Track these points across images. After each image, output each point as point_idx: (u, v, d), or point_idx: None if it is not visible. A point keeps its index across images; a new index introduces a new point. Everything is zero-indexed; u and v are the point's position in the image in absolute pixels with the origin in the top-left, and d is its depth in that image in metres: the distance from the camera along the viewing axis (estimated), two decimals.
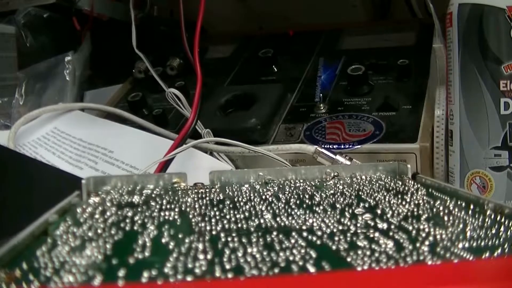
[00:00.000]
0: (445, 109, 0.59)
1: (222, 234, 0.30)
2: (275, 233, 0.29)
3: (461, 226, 0.30)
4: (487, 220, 0.30)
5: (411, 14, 0.92)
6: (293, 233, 0.29)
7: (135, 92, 0.80)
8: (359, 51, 0.78)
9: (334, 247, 0.27)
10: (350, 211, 0.33)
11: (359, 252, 0.26)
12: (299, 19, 0.92)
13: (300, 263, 0.25)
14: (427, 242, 0.27)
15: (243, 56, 0.86)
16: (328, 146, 0.61)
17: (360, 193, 0.38)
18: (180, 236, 0.30)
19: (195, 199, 0.38)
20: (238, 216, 0.33)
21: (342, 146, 0.61)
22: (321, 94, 0.70)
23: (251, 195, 0.39)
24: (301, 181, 0.43)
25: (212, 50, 0.90)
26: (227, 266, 0.25)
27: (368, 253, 0.26)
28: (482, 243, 0.27)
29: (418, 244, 0.27)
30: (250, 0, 0.95)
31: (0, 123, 0.82)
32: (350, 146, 0.61)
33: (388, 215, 0.32)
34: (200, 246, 0.28)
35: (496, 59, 0.51)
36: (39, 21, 0.86)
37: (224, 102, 0.71)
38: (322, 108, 0.67)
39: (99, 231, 0.30)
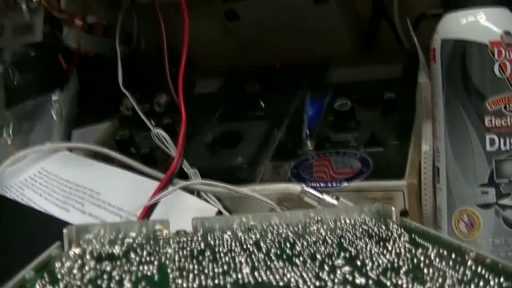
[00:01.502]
0: (432, 144, 0.59)
1: None
2: None
3: (440, 280, 0.29)
4: (467, 272, 0.30)
5: (398, 44, 0.92)
6: None
7: (123, 131, 0.79)
8: (346, 84, 0.78)
9: None
10: (330, 262, 0.33)
11: None
12: (285, 51, 0.92)
13: None
14: None
15: (230, 91, 0.85)
16: (315, 185, 0.61)
17: (342, 240, 0.38)
18: None
19: (176, 249, 0.38)
20: (216, 270, 0.33)
21: (329, 185, 0.61)
22: (308, 131, 0.69)
23: (232, 244, 0.38)
24: (285, 226, 0.43)
25: (199, 85, 0.89)
26: None
27: None
28: None
29: None
30: (237, 31, 0.95)
31: None
32: (338, 185, 0.60)
33: (368, 267, 0.32)
34: None
35: (480, 95, 0.51)
36: (26, 59, 0.85)
37: (211, 140, 0.71)
38: (309, 145, 0.67)
39: None
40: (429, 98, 0.58)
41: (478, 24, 0.51)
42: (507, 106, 0.51)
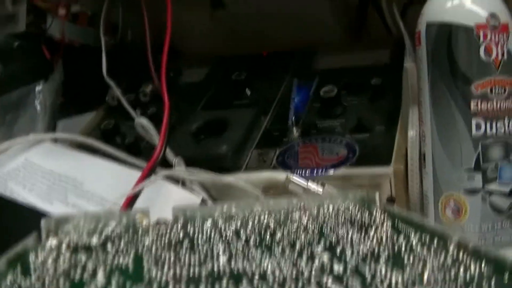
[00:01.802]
0: (418, 129, 0.58)
1: (170, 283, 0.28)
2: (225, 280, 0.28)
3: (419, 267, 0.28)
4: (448, 258, 0.29)
5: (387, 30, 0.91)
6: (244, 280, 0.28)
7: (108, 120, 0.79)
8: (333, 71, 0.77)
9: None
10: (309, 250, 0.32)
11: None
12: (273, 38, 0.91)
13: None
14: None
15: (216, 79, 0.85)
16: (300, 172, 0.60)
17: (323, 227, 0.37)
18: (127, 286, 0.28)
19: (154, 239, 0.37)
20: (192, 260, 0.32)
21: (315, 172, 0.60)
22: (294, 117, 0.69)
23: (212, 233, 0.38)
24: (267, 214, 0.42)
25: (186, 74, 0.89)
26: None
27: None
28: None
29: None
30: (223, 20, 0.94)
31: None
32: (324, 171, 0.60)
33: (348, 255, 0.31)
34: None
35: (466, 78, 0.50)
36: (9, 50, 0.84)
37: (196, 128, 0.70)
38: (295, 131, 0.66)
39: (46, 282, 0.29)
40: (415, 83, 0.57)
41: (463, 7, 0.51)
42: (493, 89, 0.50)
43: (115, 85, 0.77)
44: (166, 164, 0.63)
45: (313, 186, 0.57)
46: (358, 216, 0.39)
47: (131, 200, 0.55)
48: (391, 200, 0.58)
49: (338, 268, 0.29)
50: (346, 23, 0.93)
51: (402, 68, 0.62)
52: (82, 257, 0.33)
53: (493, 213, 0.52)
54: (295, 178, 0.58)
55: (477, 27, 0.50)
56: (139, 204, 0.57)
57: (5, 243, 0.47)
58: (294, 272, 0.29)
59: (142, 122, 0.63)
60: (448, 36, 0.51)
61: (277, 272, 0.29)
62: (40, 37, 0.84)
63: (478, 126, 0.51)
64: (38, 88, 0.83)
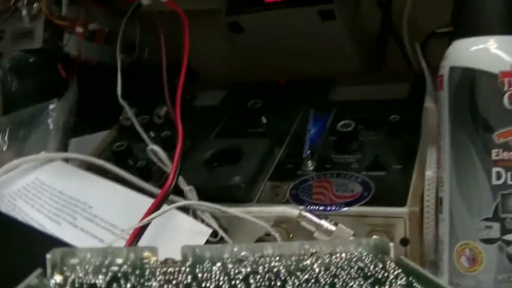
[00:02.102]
0: (436, 171, 0.57)
1: None
2: None
3: None
4: None
5: (407, 62, 0.90)
6: None
7: (121, 141, 0.78)
8: (351, 104, 0.76)
9: None
10: None
11: None
12: (290, 67, 0.90)
13: None
14: None
15: (231, 106, 0.84)
16: (313, 208, 0.59)
17: (335, 280, 0.36)
18: None
19: (161, 282, 0.36)
20: None
21: (328, 208, 0.59)
22: (309, 151, 0.68)
23: (221, 278, 0.37)
24: (277, 258, 0.41)
25: (201, 97, 0.88)
26: None
27: None
28: None
29: None
30: (241, 44, 0.93)
31: None
32: (337, 209, 0.59)
33: None
34: None
35: (488, 126, 0.49)
36: (25, 65, 0.84)
37: (209, 156, 0.69)
38: (309, 165, 0.66)
39: None
40: (435, 124, 0.56)
41: (488, 53, 0.49)
42: None
43: (129, 108, 0.76)
44: (177, 190, 0.62)
45: (326, 224, 0.56)
46: (371, 267, 0.38)
47: (140, 231, 0.54)
48: (405, 241, 0.57)
49: None
50: (365, 53, 0.92)
51: (421, 105, 0.61)
52: None
53: (510, 264, 0.50)
54: (308, 215, 0.57)
55: (502, 74, 0.49)
56: (148, 232, 0.56)
57: (10, 265, 0.47)
58: None
59: (155, 149, 0.63)
60: (471, 82, 0.50)
61: None
62: (56, 54, 0.84)
63: (498, 176, 0.49)
64: (52, 106, 0.82)
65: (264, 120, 0.77)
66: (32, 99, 0.84)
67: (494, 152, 0.49)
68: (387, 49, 0.93)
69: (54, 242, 0.55)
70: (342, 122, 0.67)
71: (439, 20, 0.84)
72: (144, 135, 0.71)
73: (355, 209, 0.59)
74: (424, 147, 0.61)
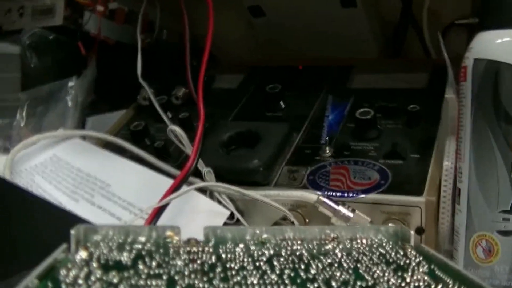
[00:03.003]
0: (454, 162, 0.57)
1: None
2: None
3: None
4: None
5: (425, 53, 0.91)
6: None
7: (138, 121, 0.78)
8: (369, 91, 0.76)
9: None
10: None
11: None
12: (309, 52, 0.91)
13: None
14: None
15: (250, 89, 0.84)
16: (330, 194, 0.59)
17: (358, 265, 0.37)
18: None
19: (186, 261, 0.37)
20: None
21: (346, 195, 0.59)
22: (327, 137, 0.68)
23: (245, 259, 0.37)
24: (299, 242, 0.41)
25: (219, 79, 0.88)
26: None
27: None
28: None
29: None
30: (261, 28, 0.93)
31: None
32: (354, 195, 0.59)
33: None
34: None
35: (510, 119, 0.49)
36: (45, 42, 0.84)
37: (227, 138, 0.70)
38: (327, 151, 0.66)
39: None
40: (455, 115, 0.56)
41: None
42: None
43: (148, 87, 0.76)
44: (195, 172, 0.62)
45: (343, 210, 0.56)
46: (392, 254, 0.39)
47: (160, 210, 0.54)
48: (420, 230, 0.58)
49: None
50: (384, 41, 0.92)
51: (440, 94, 0.61)
52: (114, 277, 0.33)
53: None
54: (326, 201, 0.57)
55: None
56: (166, 212, 0.56)
57: (31, 240, 0.47)
58: None
59: (176, 130, 0.63)
60: (495, 74, 0.50)
61: None
62: (76, 32, 0.84)
63: None
64: (71, 83, 0.83)
65: (282, 104, 0.77)
66: (51, 76, 0.85)
67: None
68: (406, 38, 0.93)
69: (72, 218, 0.56)
70: (361, 110, 0.67)
71: (458, 11, 0.84)
72: (164, 115, 0.71)
73: (372, 196, 0.59)
74: (442, 138, 0.61)
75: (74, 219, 0.54)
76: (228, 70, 0.91)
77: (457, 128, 0.54)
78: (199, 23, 0.81)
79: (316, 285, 0.33)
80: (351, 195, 0.60)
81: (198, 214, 0.59)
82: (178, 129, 0.63)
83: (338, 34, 0.87)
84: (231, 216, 0.61)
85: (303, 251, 0.39)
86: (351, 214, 0.56)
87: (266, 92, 0.77)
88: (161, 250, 0.38)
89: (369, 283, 0.33)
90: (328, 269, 0.36)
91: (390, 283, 0.33)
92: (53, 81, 0.84)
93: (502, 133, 0.50)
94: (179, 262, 0.36)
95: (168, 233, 0.42)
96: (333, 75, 0.83)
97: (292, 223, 0.58)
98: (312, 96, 0.78)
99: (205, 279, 0.33)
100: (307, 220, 0.61)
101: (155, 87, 0.80)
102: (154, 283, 0.32)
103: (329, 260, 0.37)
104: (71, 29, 0.84)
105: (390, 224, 0.56)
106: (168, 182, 0.59)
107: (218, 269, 0.35)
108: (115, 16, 0.88)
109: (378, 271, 0.35)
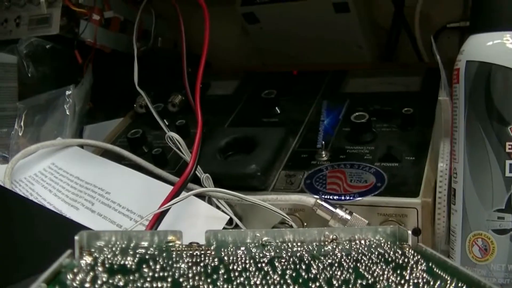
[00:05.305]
0: (449, 163, 0.58)
1: None
2: None
3: None
4: None
5: (418, 57, 0.92)
6: None
7: (136, 128, 0.79)
8: (364, 95, 0.77)
9: None
10: None
11: None
12: (303, 58, 0.91)
13: None
14: None
15: (245, 95, 0.85)
16: (328, 197, 0.60)
17: (358, 264, 0.37)
18: None
19: (189, 264, 0.37)
20: None
21: (343, 198, 0.60)
22: (323, 141, 0.68)
23: (247, 261, 0.38)
24: (299, 244, 0.42)
25: (214, 86, 0.89)
26: None
27: None
28: None
29: None
30: (255, 35, 0.94)
31: None
32: (351, 198, 0.60)
33: None
34: None
35: (503, 120, 0.50)
36: (42, 51, 0.85)
37: (224, 144, 0.70)
38: (324, 155, 0.66)
39: None
40: (448, 116, 0.57)
41: (504, 48, 0.50)
42: None
43: (146, 95, 0.77)
44: (193, 179, 0.63)
45: (341, 213, 0.57)
46: (391, 253, 0.40)
47: (160, 216, 0.55)
48: (417, 231, 0.58)
49: None
50: (377, 46, 0.93)
51: (433, 97, 0.61)
52: (120, 281, 0.33)
53: None
54: (324, 204, 0.58)
55: None
56: (166, 217, 0.57)
57: (34, 246, 0.48)
58: None
59: (174, 136, 0.63)
60: (487, 76, 0.50)
61: None
62: (73, 41, 0.85)
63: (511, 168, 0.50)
64: (68, 92, 0.83)
65: (278, 110, 0.77)
66: (48, 85, 0.85)
67: (508, 144, 0.50)
68: (398, 42, 0.94)
69: (73, 225, 0.57)
70: (356, 114, 0.68)
71: (449, 15, 0.85)
72: (161, 123, 0.71)
73: (369, 199, 0.60)
74: (436, 139, 0.62)
75: (75, 226, 0.54)
76: (223, 76, 0.92)
77: (451, 130, 0.55)
78: (193, 30, 0.82)
79: (317, 284, 0.34)
80: (348, 198, 0.60)
81: (197, 219, 0.60)
82: (176, 136, 0.64)
83: (332, 39, 0.88)
84: (230, 221, 0.62)
85: (304, 252, 0.40)
86: (348, 217, 0.57)
87: (261, 97, 0.78)
88: (164, 254, 0.39)
89: (370, 281, 0.34)
90: (328, 269, 0.36)
91: (390, 280, 0.34)
92: (51, 90, 0.84)
93: (495, 133, 0.50)
94: (183, 265, 0.37)
95: (170, 237, 0.42)
96: (328, 80, 0.83)
97: (291, 226, 0.59)
98: (307, 101, 0.79)
99: (209, 280, 0.34)
100: (305, 224, 0.62)
101: (151, 95, 0.81)
102: (159, 285, 0.33)
103: (329, 260, 0.38)
104: (68, 38, 0.84)
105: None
106: (167, 189, 0.59)
107: (221, 271, 0.36)
108: (111, 24, 0.89)
109: (377, 270, 0.36)
